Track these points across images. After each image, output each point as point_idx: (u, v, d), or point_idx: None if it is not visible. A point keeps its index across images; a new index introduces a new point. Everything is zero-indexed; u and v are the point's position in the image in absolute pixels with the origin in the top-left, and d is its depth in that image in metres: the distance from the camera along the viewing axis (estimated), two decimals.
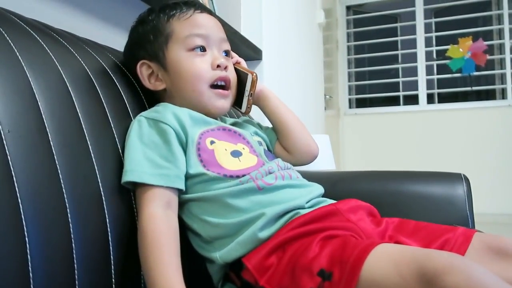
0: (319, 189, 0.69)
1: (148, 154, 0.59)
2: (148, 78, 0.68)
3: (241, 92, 0.73)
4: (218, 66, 0.68)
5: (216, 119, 0.71)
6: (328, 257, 0.52)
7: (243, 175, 0.62)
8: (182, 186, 0.60)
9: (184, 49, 0.67)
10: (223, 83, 0.69)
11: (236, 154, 0.65)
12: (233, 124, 0.75)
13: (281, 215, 0.60)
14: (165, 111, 0.63)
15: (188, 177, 0.61)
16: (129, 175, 0.56)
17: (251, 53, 1.46)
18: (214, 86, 0.68)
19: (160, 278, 0.52)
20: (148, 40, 0.67)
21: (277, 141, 0.79)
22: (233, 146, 0.66)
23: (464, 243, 0.58)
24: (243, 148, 0.67)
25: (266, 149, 0.76)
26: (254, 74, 0.72)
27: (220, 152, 0.63)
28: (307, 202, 0.63)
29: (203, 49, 0.68)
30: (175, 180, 0.59)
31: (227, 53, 0.73)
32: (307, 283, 0.50)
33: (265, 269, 0.55)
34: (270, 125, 0.81)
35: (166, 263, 0.53)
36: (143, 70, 0.67)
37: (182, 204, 0.61)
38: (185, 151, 0.62)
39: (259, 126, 0.82)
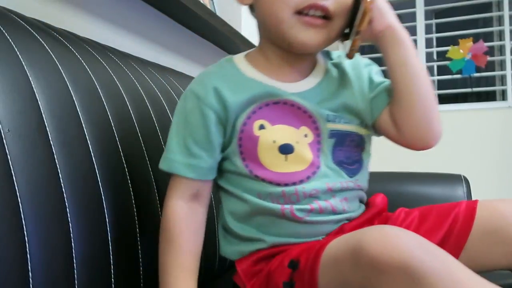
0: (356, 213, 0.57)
1: (184, 138, 0.54)
2: None
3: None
4: None
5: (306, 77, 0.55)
6: (298, 249, 0.50)
7: (286, 184, 0.52)
8: (213, 176, 0.56)
9: None
10: (318, 13, 0.51)
11: (286, 149, 0.53)
12: (329, 77, 0.57)
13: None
14: (211, 81, 0.54)
15: (222, 162, 0.56)
16: (162, 162, 0.54)
17: None
18: (301, 13, 0.51)
19: (173, 282, 0.51)
20: None
21: (387, 107, 0.56)
22: (292, 133, 0.54)
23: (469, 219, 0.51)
24: (305, 136, 0.54)
25: (359, 126, 0.57)
26: (369, 0, 0.50)
27: (265, 144, 0.53)
28: None
29: None
30: (207, 173, 0.55)
31: None
32: (279, 278, 0.49)
33: (253, 275, 0.54)
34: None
35: (181, 266, 0.51)
36: None
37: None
38: (227, 134, 0.54)
39: (369, 81, 0.58)
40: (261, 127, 0.53)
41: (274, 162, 0.53)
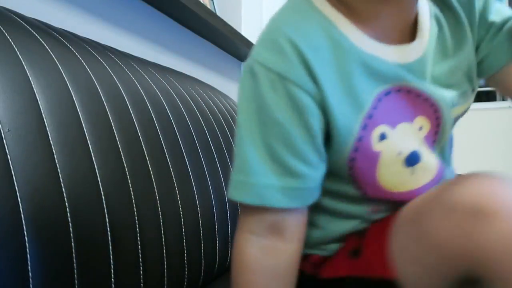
0: None
1: (269, 147, 0.35)
2: None
3: None
4: None
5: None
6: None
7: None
8: (317, 197, 0.39)
9: None
10: None
11: (412, 160, 0.39)
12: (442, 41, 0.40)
13: None
14: (295, 48, 0.34)
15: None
16: (243, 192, 0.36)
17: None
18: None
19: None
20: None
21: None
22: (412, 132, 0.39)
23: None
24: (420, 129, 0.39)
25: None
26: None
27: (388, 160, 0.38)
28: None
29: None
30: (309, 197, 0.38)
31: None
32: (341, 268, 0.40)
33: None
34: None
35: None
36: None
37: None
38: (325, 135, 0.37)
39: (480, 19, 0.41)
40: (382, 137, 0.37)
41: (397, 180, 0.39)
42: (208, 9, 1.12)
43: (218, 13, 1.26)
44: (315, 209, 0.41)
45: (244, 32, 1.54)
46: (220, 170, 0.80)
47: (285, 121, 0.35)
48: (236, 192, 0.37)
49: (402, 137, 0.38)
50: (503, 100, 3.10)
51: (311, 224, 0.41)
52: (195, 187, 0.70)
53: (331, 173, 0.39)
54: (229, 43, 1.32)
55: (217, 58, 1.36)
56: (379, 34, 0.38)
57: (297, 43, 0.35)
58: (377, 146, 0.37)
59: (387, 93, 0.37)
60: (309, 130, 0.35)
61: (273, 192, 0.35)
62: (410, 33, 0.40)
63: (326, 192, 0.40)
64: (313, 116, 0.35)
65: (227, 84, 1.42)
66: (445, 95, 0.40)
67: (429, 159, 0.40)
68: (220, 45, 1.34)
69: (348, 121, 0.36)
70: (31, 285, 0.42)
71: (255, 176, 0.35)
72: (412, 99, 0.38)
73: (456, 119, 0.44)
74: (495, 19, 0.42)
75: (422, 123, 0.40)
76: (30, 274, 0.42)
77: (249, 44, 1.42)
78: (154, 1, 0.99)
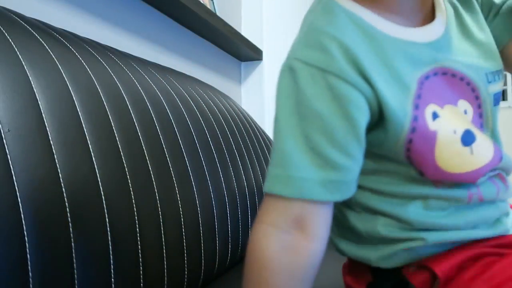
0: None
1: (310, 137, 0.34)
2: None
3: None
4: None
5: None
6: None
7: (470, 184, 0.38)
8: (351, 194, 0.38)
9: None
10: None
11: (468, 138, 0.38)
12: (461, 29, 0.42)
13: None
14: (338, 43, 0.35)
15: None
16: (284, 185, 0.35)
17: (252, 53, 1.46)
18: None
19: None
20: None
21: None
22: (459, 113, 0.39)
23: None
24: (465, 112, 0.39)
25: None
26: None
27: (445, 139, 0.37)
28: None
29: None
30: (347, 190, 0.37)
31: None
32: None
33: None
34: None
35: None
36: None
37: None
38: (372, 124, 0.37)
39: (487, 3, 0.45)
40: (435, 115, 0.37)
41: (457, 161, 0.38)
42: (208, 9, 1.12)
43: (218, 13, 1.26)
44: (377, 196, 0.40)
45: (244, 32, 1.54)
46: (220, 170, 0.80)
47: (325, 112, 0.34)
48: (274, 186, 0.36)
49: (453, 116, 0.38)
50: (504, 100, 3.10)
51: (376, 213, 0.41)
52: (195, 187, 0.70)
53: (386, 158, 0.39)
54: (229, 43, 1.32)
55: (217, 58, 1.36)
56: (403, 20, 0.39)
57: (341, 39, 0.36)
58: (432, 125, 0.36)
59: (427, 77, 0.38)
60: (351, 121, 0.35)
61: (313, 184, 0.34)
62: (429, 15, 0.41)
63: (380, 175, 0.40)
64: (356, 106, 0.35)
65: (227, 84, 1.42)
66: (479, 72, 0.40)
67: (484, 139, 0.40)
68: (220, 45, 1.34)
69: (400, 104, 0.36)
70: (31, 285, 0.42)
71: (294, 169, 0.34)
72: (450, 81, 0.39)
73: (496, 99, 0.43)
74: (495, 0, 0.44)
75: (465, 106, 0.40)
76: (30, 274, 0.42)
77: (249, 44, 1.42)
78: (154, 1, 0.99)
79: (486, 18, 0.44)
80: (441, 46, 0.40)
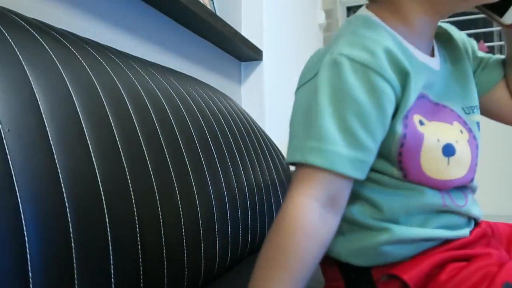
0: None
1: (347, 121, 0.39)
2: None
3: None
4: None
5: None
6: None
7: (443, 191, 0.44)
8: (366, 175, 0.42)
9: None
10: None
11: (448, 151, 0.44)
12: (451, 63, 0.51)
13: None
14: (382, 47, 0.41)
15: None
16: (316, 155, 0.39)
17: (252, 53, 1.46)
18: None
19: None
20: None
21: (503, 80, 0.53)
22: (449, 130, 0.45)
23: None
24: (461, 132, 0.46)
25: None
26: None
27: (429, 144, 0.43)
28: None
29: None
30: (366, 171, 0.42)
31: None
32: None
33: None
34: None
35: (293, 281, 0.38)
36: None
37: None
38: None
39: (473, 55, 0.55)
40: (421, 123, 0.43)
41: (435, 166, 0.43)
42: (208, 9, 1.12)
43: (218, 13, 1.26)
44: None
45: (244, 32, 1.54)
46: (220, 170, 0.80)
47: (362, 100, 0.40)
48: (308, 156, 0.39)
49: (438, 129, 0.44)
50: None
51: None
52: (195, 187, 0.70)
53: (384, 163, 0.44)
54: (229, 43, 1.32)
55: (217, 58, 1.36)
56: (423, 47, 0.47)
57: (385, 44, 0.42)
58: (420, 128, 0.42)
59: (423, 96, 0.44)
60: (382, 110, 0.40)
61: (343, 160, 0.39)
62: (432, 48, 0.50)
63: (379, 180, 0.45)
64: (388, 99, 0.40)
65: (227, 84, 1.42)
66: (457, 104, 0.48)
67: (464, 157, 0.45)
68: (220, 45, 1.34)
69: (409, 98, 0.42)
70: (31, 285, 0.42)
71: (329, 143, 0.39)
72: (436, 107, 0.45)
73: (478, 126, 0.50)
74: (482, 55, 0.54)
75: (460, 127, 0.46)
76: (30, 274, 0.42)
77: (249, 44, 1.42)
78: (154, 1, 0.99)
79: (475, 71, 0.53)
80: (438, 77, 0.48)
